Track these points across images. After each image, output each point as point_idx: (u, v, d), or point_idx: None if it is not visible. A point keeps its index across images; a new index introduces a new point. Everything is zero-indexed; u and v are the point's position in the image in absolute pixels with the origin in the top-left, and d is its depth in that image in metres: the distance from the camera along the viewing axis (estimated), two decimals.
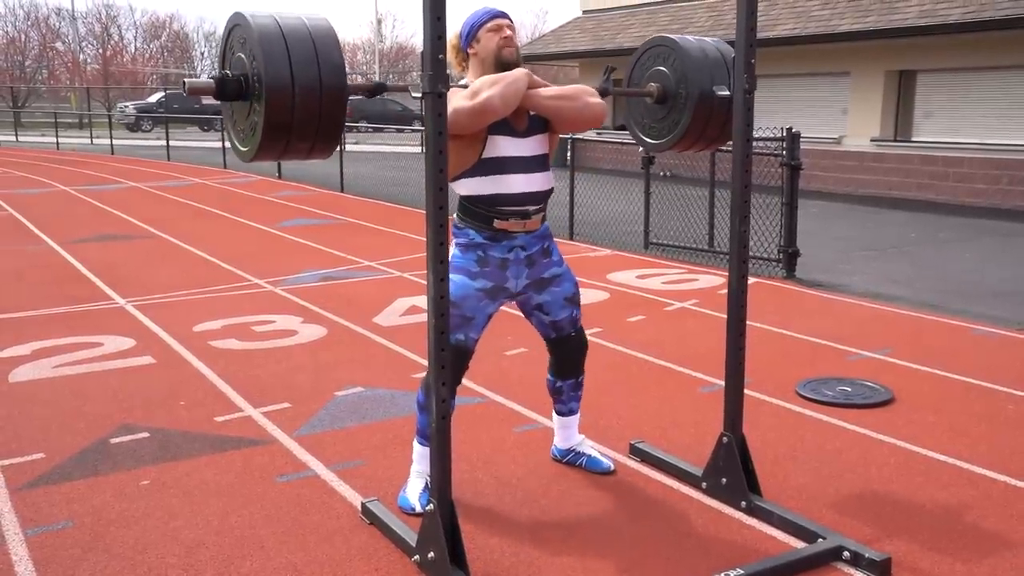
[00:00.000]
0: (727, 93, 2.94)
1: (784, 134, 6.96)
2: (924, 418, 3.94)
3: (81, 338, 5.24)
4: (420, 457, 3.10)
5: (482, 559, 2.72)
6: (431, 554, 2.56)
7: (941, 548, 2.79)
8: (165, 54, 59.71)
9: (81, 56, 52.87)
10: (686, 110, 3.13)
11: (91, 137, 27.85)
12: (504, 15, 3.02)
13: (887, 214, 11.28)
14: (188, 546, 2.81)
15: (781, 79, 14.12)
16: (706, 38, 3.24)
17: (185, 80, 2.53)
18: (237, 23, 2.46)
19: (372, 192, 13.19)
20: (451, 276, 2.91)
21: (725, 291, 6.38)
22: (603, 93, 3.11)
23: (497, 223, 2.97)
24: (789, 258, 7.07)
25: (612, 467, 3.36)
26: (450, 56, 2.89)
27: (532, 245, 3.05)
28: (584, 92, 3.00)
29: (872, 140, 13.50)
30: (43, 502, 3.11)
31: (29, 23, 52.54)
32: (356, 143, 24.37)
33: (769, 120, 8.74)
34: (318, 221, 10.42)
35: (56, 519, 2.98)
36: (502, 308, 3.15)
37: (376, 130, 29.01)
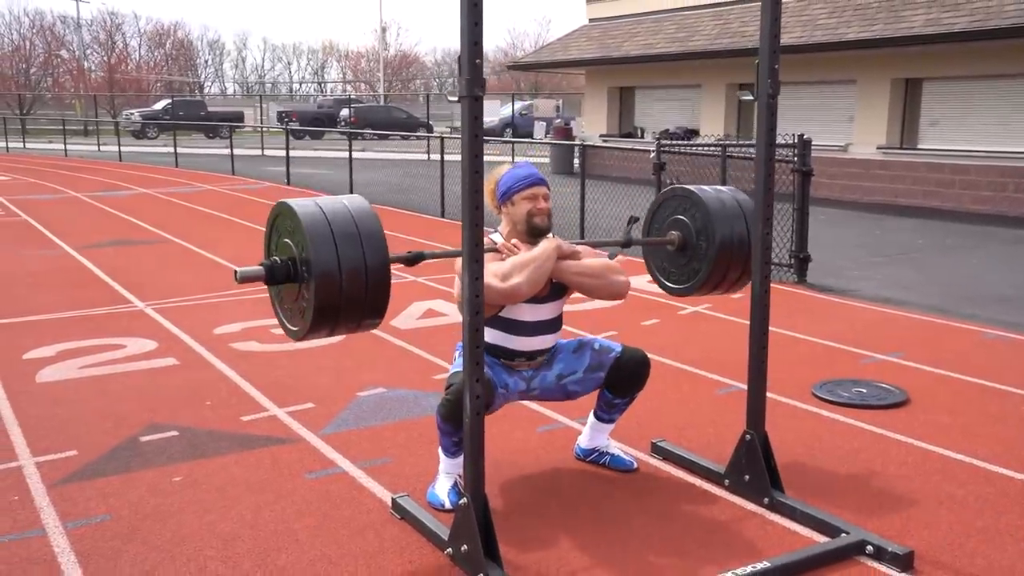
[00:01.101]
0: (751, 98, 3.01)
1: (796, 141, 7.03)
2: (939, 419, 4.00)
3: (104, 340, 5.32)
4: (446, 464, 3.17)
5: (512, 552, 2.78)
6: (464, 547, 2.62)
7: (961, 543, 2.85)
8: (169, 62, 59.98)
9: (86, 64, 53.14)
10: (707, 259, 3.25)
11: (98, 144, 28.00)
12: (541, 183, 3.09)
13: (894, 221, 11.35)
14: (224, 539, 2.88)
15: (788, 87, 14.15)
16: (722, 188, 3.36)
17: (236, 270, 2.62)
18: (280, 212, 2.60)
19: (380, 199, 13.27)
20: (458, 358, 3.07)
21: (738, 295, 6.48)
22: (626, 244, 3.23)
23: (503, 361, 3.14)
24: (800, 263, 7.14)
25: (635, 465, 3.42)
26: (487, 199, 2.92)
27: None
28: (610, 271, 3.09)
29: (878, 147, 13.57)
30: (79, 497, 3.18)
31: (34, 30, 52.87)
32: (363, 150, 24.48)
33: (777, 127, 8.80)
34: None
35: (94, 513, 3.05)
36: None
37: (381, 137, 29.15)
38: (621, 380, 3.25)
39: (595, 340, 3.30)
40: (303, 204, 2.56)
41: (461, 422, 2.87)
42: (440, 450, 3.16)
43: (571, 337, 3.40)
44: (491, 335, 3.07)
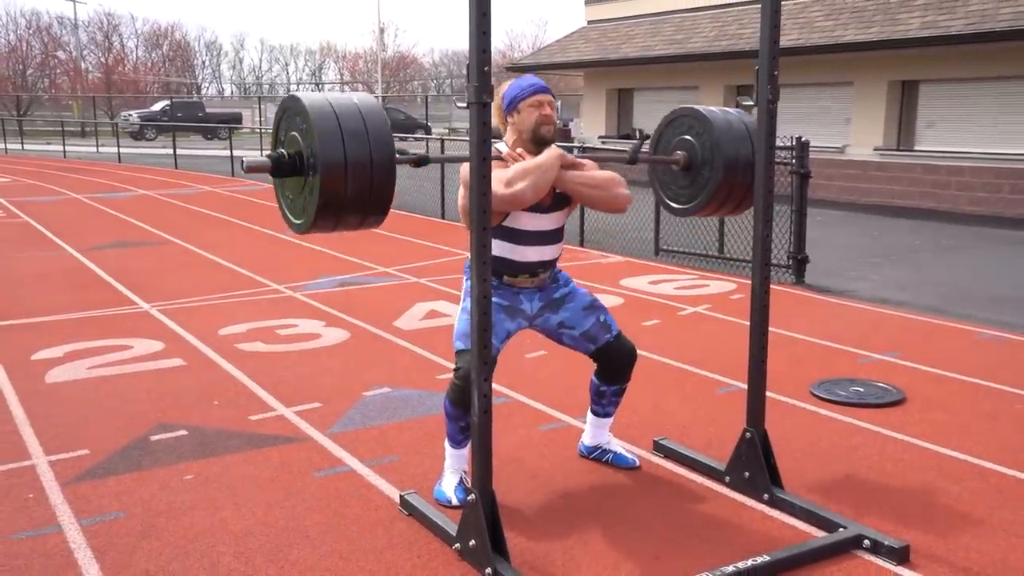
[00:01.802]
0: (752, 103, 3.08)
1: (793, 143, 7.11)
2: (935, 417, 4.07)
3: (110, 341, 5.38)
4: (452, 457, 3.24)
5: (518, 547, 2.85)
6: (472, 542, 2.69)
7: (956, 538, 2.92)
8: (166, 63, 60.01)
9: (83, 65, 53.14)
10: (712, 179, 3.27)
11: (97, 145, 28.03)
12: (546, 91, 3.13)
13: (890, 222, 11.44)
14: (237, 535, 2.94)
15: (785, 89, 14.15)
16: (729, 110, 3.39)
17: (243, 159, 2.66)
18: (290, 104, 2.61)
19: None
20: (465, 305, 3.12)
21: (737, 296, 6.60)
22: (632, 160, 3.26)
23: (506, 279, 3.16)
24: (798, 264, 7.22)
25: (637, 463, 3.49)
26: (493, 113, 2.96)
27: (539, 288, 3.24)
28: (613, 183, 3.13)
29: (875, 149, 13.66)
30: (93, 495, 3.24)
31: (31, 31, 52.88)
32: None
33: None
34: None
35: (108, 510, 3.12)
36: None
37: None
38: (605, 366, 3.32)
39: (603, 312, 3.31)
40: (313, 98, 2.55)
41: (470, 406, 2.94)
42: (446, 442, 3.23)
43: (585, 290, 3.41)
44: (494, 247, 3.06)
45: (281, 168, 2.59)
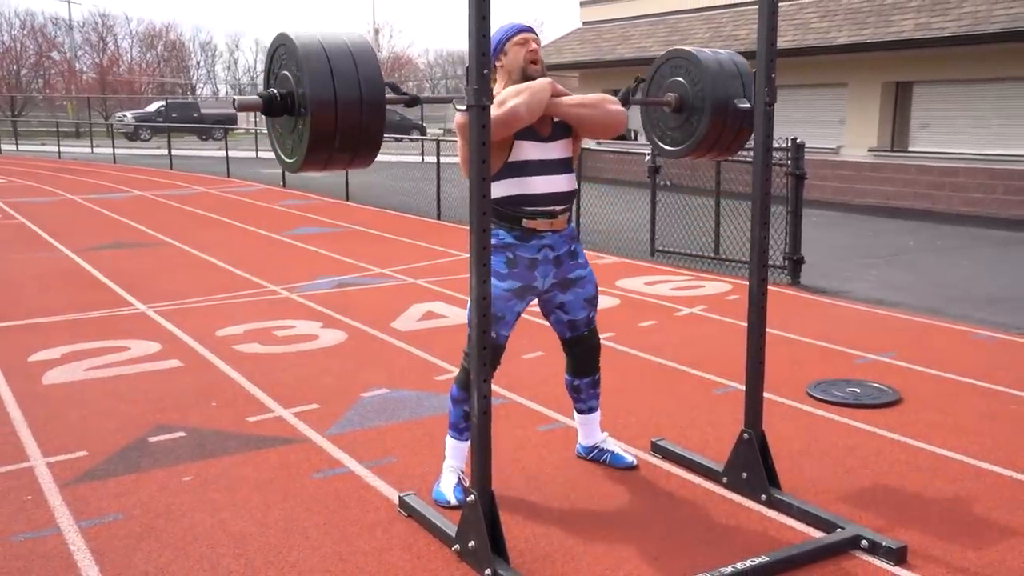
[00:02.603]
0: (747, 105, 3.09)
1: (788, 144, 7.13)
2: (931, 417, 4.09)
3: (107, 342, 5.37)
4: (452, 451, 3.25)
5: (517, 548, 2.85)
6: (472, 543, 2.70)
7: (952, 538, 2.94)
8: (161, 64, 59.90)
9: (77, 65, 53.02)
10: (703, 119, 3.29)
11: (91, 146, 27.97)
12: (530, 29, 3.18)
13: (885, 223, 11.47)
14: (236, 536, 2.94)
15: (781, 90, 14.16)
16: (720, 51, 3.41)
17: (235, 98, 2.67)
18: (282, 43, 2.59)
19: (378, 201, 13.35)
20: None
21: (732, 297, 6.62)
22: (625, 100, 3.26)
23: (526, 222, 3.11)
24: (794, 265, 7.24)
25: (635, 463, 3.50)
26: None
27: (560, 246, 3.19)
28: (605, 100, 3.15)
29: (870, 150, 13.70)
30: (92, 496, 3.24)
31: (25, 32, 52.72)
32: None
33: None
34: (327, 229, 10.56)
35: (107, 512, 3.12)
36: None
37: None
38: (574, 357, 3.38)
39: (594, 309, 3.35)
40: (304, 37, 2.54)
41: None
42: (448, 435, 3.23)
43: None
44: (504, 187, 3.06)
45: (272, 107, 2.58)
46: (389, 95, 2.60)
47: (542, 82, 3.05)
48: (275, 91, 2.61)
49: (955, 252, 9.12)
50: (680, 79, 3.38)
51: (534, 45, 3.13)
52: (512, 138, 3.04)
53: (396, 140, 29.19)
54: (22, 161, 23.43)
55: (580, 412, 3.52)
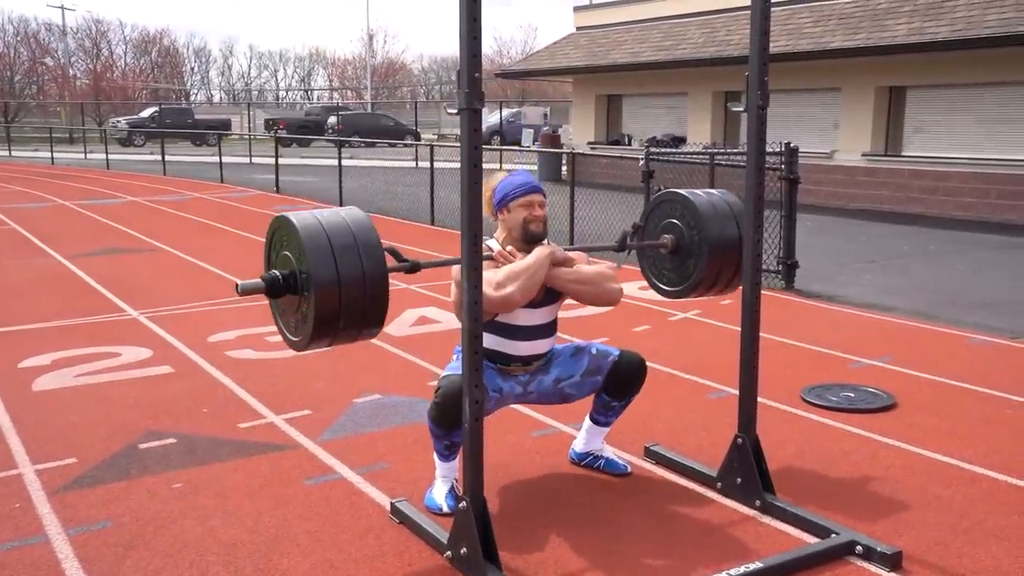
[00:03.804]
0: (741, 109, 3.08)
1: (782, 149, 7.13)
2: (925, 422, 4.08)
3: (99, 348, 5.34)
4: (442, 468, 3.23)
5: (510, 555, 2.83)
6: (463, 550, 2.67)
7: (947, 543, 2.92)
8: (155, 69, 59.82)
9: (71, 71, 52.93)
10: (701, 261, 3.32)
11: (85, 152, 27.90)
12: (537, 190, 3.15)
13: (879, 227, 11.49)
14: (226, 544, 2.91)
15: (774, 94, 14.16)
16: (713, 191, 3.45)
17: (238, 283, 2.68)
18: (280, 225, 2.65)
19: (372, 206, 13.30)
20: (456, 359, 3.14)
21: (727, 302, 6.60)
22: (622, 245, 3.32)
23: (500, 366, 3.19)
24: (788, 270, 7.24)
25: (629, 469, 3.48)
26: (484, 207, 3.01)
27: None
28: (603, 278, 3.16)
29: (863, 155, 13.73)
30: (80, 504, 3.21)
31: (18, 38, 52.62)
32: (351, 158, 24.49)
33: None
34: None
35: (95, 519, 3.08)
36: None
37: (368, 145, 29.19)
38: (619, 383, 3.32)
39: (592, 345, 3.36)
40: (301, 217, 2.60)
41: (451, 425, 2.94)
42: (435, 455, 3.22)
43: (565, 343, 3.46)
44: (487, 340, 3.10)
45: (275, 289, 2.62)
46: (391, 264, 2.63)
47: (541, 259, 3.03)
48: (277, 273, 2.65)
49: (949, 256, 9.13)
50: (675, 221, 3.41)
51: (539, 211, 3.13)
52: None
53: (390, 145, 29.19)
54: (15, 167, 23.35)
55: (595, 423, 3.49)
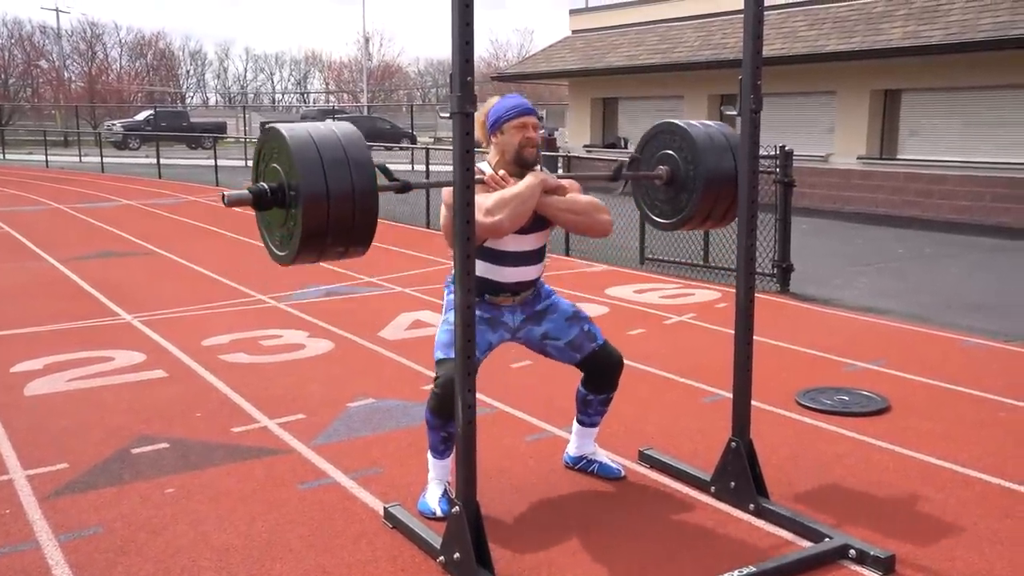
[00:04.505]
0: (735, 113, 3.08)
1: (777, 152, 7.14)
2: (919, 425, 4.08)
3: (91, 353, 5.32)
4: (435, 468, 3.23)
5: (504, 560, 2.82)
6: (456, 554, 2.66)
7: (941, 547, 2.92)
8: (151, 72, 59.77)
9: (66, 74, 52.85)
10: (695, 193, 3.25)
11: (80, 155, 27.86)
12: (531, 112, 3.11)
13: (874, 230, 11.50)
14: (219, 550, 2.90)
15: (769, 98, 14.24)
16: (710, 123, 3.39)
17: (224, 194, 2.63)
18: (270, 136, 2.58)
19: None
20: (447, 317, 3.11)
21: (722, 305, 6.61)
22: (616, 174, 3.28)
23: (489, 298, 3.16)
24: (783, 273, 7.24)
25: (623, 473, 3.47)
26: (477, 130, 2.94)
27: (521, 305, 3.23)
28: (594, 208, 3.12)
29: (859, 158, 13.76)
30: (72, 509, 3.20)
31: (13, 41, 52.53)
32: None
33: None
34: None
35: (86, 525, 3.07)
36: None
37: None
38: (593, 375, 3.30)
39: (587, 322, 3.30)
40: (292, 129, 2.52)
41: (450, 415, 2.91)
42: (429, 453, 3.21)
43: (569, 301, 3.40)
44: (476, 267, 3.01)
45: (262, 201, 2.56)
46: (381, 182, 2.57)
47: (532, 186, 2.98)
48: (265, 185, 2.59)
49: (944, 259, 9.14)
50: (670, 152, 3.35)
51: (532, 132, 3.07)
52: None
53: (387, 149, 29.18)
54: (8, 170, 23.30)
55: (581, 424, 3.48)
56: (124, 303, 6.77)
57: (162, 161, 21.23)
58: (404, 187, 2.73)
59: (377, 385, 4.69)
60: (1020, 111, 12.08)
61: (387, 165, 2.78)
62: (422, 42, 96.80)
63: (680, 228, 3.41)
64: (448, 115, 2.54)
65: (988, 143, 12.43)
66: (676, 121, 3.35)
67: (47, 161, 25.14)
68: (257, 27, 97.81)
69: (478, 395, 4.13)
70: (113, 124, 35.86)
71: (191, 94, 65.08)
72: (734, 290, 3.24)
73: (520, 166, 3.07)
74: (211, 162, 19.49)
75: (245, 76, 70.00)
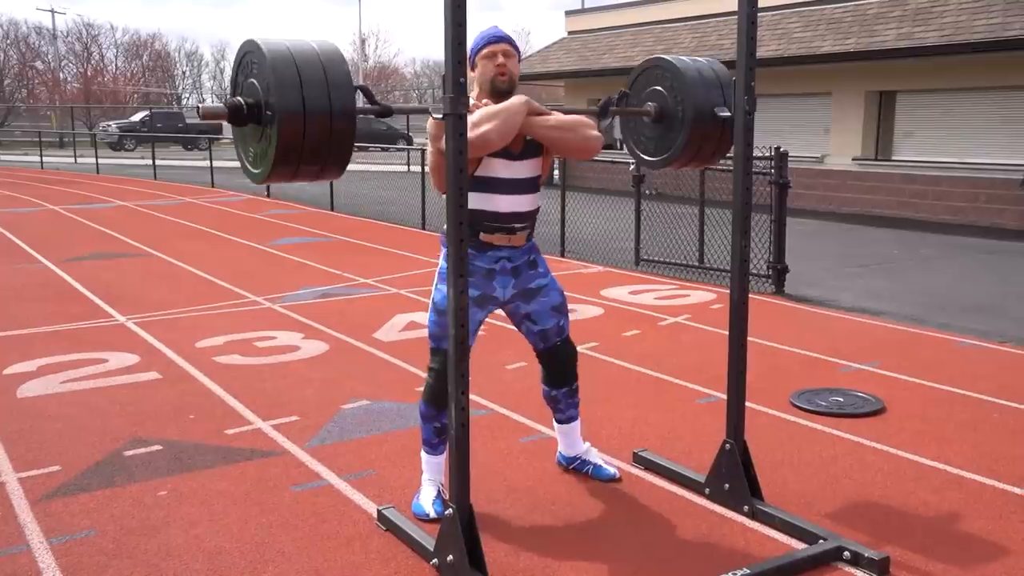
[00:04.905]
0: (728, 114, 3.08)
1: (772, 153, 7.14)
2: (914, 426, 4.08)
3: (85, 354, 5.30)
4: (429, 466, 3.22)
5: (497, 562, 2.81)
6: (450, 557, 2.66)
7: (935, 548, 2.92)
8: (146, 73, 59.65)
9: (61, 75, 52.72)
10: (683, 129, 3.22)
11: (75, 156, 27.79)
12: (500, 40, 3.07)
13: (869, 231, 11.51)
14: (211, 553, 2.89)
15: (764, 99, 14.26)
16: (700, 58, 3.35)
17: (199, 105, 2.60)
18: (249, 50, 2.51)
19: (363, 211, 13.30)
20: (440, 286, 3.05)
21: (717, 306, 6.61)
22: (604, 110, 3.19)
23: (483, 236, 3.06)
24: (778, 274, 7.24)
25: (617, 475, 3.47)
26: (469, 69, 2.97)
27: (517, 257, 3.14)
28: (582, 124, 3.07)
29: (854, 159, 13.77)
30: (64, 512, 3.18)
31: (8, 42, 52.38)
32: None
33: (754, 139, 8.93)
34: (311, 239, 10.51)
35: (78, 528, 3.05)
36: (503, 325, 3.24)
37: (360, 149, 29.15)
38: (550, 368, 3.32)
39: (565, 317, 3.27)
40: (272, 43, 2.45)
41: (444, 405, 2.90)
42: (423, 450, 3.20)
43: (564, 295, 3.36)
44: (469, 199, 2.98)
45: (238, 116, 2.50)
46: (361, 104, 2.54)
47: (517, 103, 2.95)
48: (241, 100, 2.53)
49: (939, 260, 9.15)
50: (659, 88, 3.31)
51: (501, 59, 3.03)
52: None
53: (383, 150, 29.15)
54: (3, 171, 23.22)
55: (560, 422, 3.48)
56: (118, 304, 6.75)
57: (157, 162, 21.19)
58: (385, 111, 2.66)
59: (371, 387, 4.67)
60: (1015, 112, 12.11)
61: (368, 88, 2.70)
62: (419, 43, 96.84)
63: (667, 166, 3.36)
64: (440, 116, 2.53)
65: (983, 144, 12.44)
66: (666, 56, 3.30)
67: (42, 162, 25.08)
68: (253, 28, 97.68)
69: (473, 397, 4.13)
70: (109, 125, 35.77)
71: (187, 95, 64.98)
72: (729, 291, 3.23)
73: (496, 95, 3.02)
74: (207, 163, 19.45)
75: None
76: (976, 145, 12.52)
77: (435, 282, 3.14)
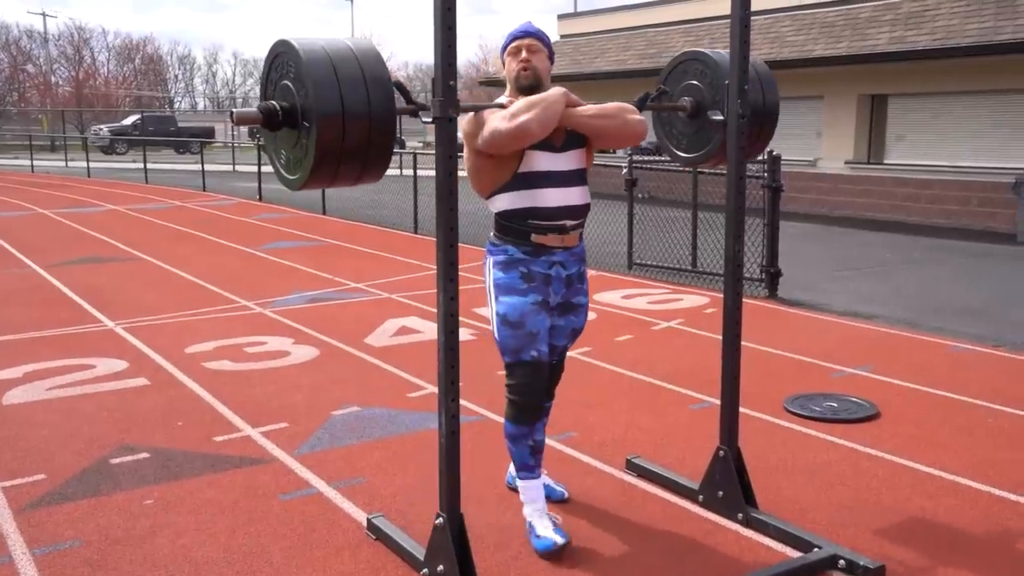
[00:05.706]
0: (720, 118, 3.05)
1: (765, 157, 7.12)
2: (908, 431, 4.06)
3: (72, 360, 5.25)
4: (529, 493, 3.02)
5: (489, 572, 2.77)
6: (441, 567, 2.62)
7: (931, 555, 2.89)
8: (138, 77, 59.48)
9: (53, 78, 52.53)
10: (720, 125, 3.10)
11: (66, 160, 27.67)
12: (524, 35, 3.00)
13: (862, 235, 11.51)
14: (197, 563, 2.84)
15: None
16: None
17: (232, 111, 2.47)
18: (282, 50, 2.41)
19: (354, 214, 13.25)
20: (503, 298, 2.91)
21: (710, 310, 6.58)
22: (640, 105, 3.10)
23: (535, 237, 2.91)
24: (771, 278, 7.22)
25: (566, 495, 3.32)
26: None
27: (571, 265, 3.01)
28: (624, 110, 2.96)
29: (846, 163, 13.78)
30: (48, 522, 3.13)
31: None
32: None
33: None
34: (303, 243, 10.46)
35: (62, 538, 3.01)
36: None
37: None
38: None
39: (570, 343, 3.17)
40: (306, 43, 2.35)
41: (532, 420, 2.89)
42: (519, 478, 3.02)
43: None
44: (513, 199, 2.89)
45: (273, 121, 2.39)
46: (400, 104, 2.46)
47: (556, 93, 2.86)
48: (275, 103, 2.42)
49: (931, 264, 9.15)
50: (695, 82, 3.20)
51: (525, 54, 2.97)
52: (523, 148, 2.86)
53: None
54: None
55: None
56: (107, 309, 6.69)
57: (149, 166, 21.10)
58: (422, 109, 2.57)
59: (362, 393, 4.63)
60: (1006, 116, 12.14)
61: (403, 84, 2.57)
62: (411, 46, 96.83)
63: (705, 162, 3.26)
64: (430, 120, 2.49)
65: (975, 148, 12.47)
66: (704, 50, 3.20)
67: (32, 166, 24.96)
68: (246, 31, 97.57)
69: (466, 403, 4.09)
70: (100, 129, 35.64)
71: (179, 99, 64.85)
72: (723, 296, 3.20)
73: (520, 92, 2.94)
74: (198, 167, 19.37)
75: (234, 81, 69.81)
76: (968, 149, 12.54)
77: (492, 295, 2.98)
